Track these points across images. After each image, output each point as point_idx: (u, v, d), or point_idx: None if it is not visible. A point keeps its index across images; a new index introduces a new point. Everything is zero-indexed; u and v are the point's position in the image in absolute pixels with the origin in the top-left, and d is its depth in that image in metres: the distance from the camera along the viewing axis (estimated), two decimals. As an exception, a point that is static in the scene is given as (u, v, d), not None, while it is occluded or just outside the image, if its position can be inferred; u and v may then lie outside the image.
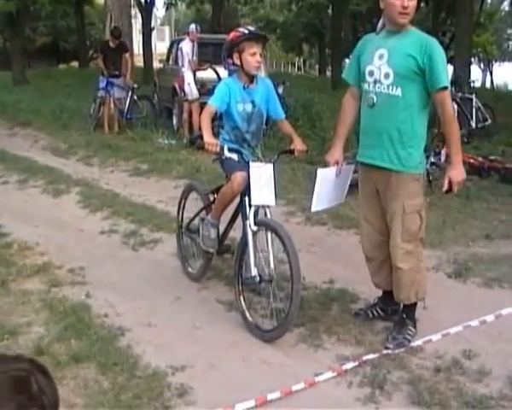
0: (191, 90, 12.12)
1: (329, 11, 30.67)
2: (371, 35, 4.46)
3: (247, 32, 4.75)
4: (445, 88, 4.06)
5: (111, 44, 13.87)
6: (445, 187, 4.14)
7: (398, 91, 4.12)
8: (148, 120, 13.95)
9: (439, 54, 4.06)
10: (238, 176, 4.65)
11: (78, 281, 5.45)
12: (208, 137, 4.47)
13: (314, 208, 4.69)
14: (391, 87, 4.14)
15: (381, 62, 4.18)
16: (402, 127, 4.14)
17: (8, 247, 6.27)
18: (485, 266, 5.70)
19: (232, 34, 4.78)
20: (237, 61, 4.73)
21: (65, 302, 4.91)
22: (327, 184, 4.58)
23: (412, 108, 4.13)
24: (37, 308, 4.86)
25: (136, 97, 13.90)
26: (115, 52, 13.77)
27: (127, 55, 14.02)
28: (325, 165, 4.64)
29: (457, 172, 4.10)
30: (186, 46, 12.16)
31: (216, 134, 4.76)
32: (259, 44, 4.75)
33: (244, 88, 4.78)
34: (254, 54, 4.70)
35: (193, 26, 12.51)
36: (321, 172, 4.57)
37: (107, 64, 13.64)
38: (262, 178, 4.51)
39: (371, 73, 4.25)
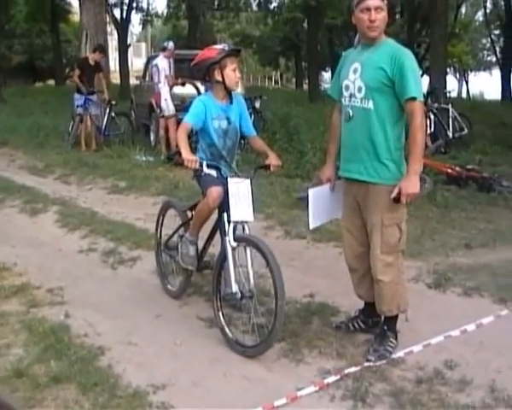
0: (168, 106, 12.13)
1: (305, 25, 30.80)
2: (350, 50, 4.50)
3: (227, 48, 4.80)
4: (414, 98, 4.04)
5: (90, 62, 13.90)
6: (393, 194, 4.05)
7: (370, 104, 4.16)
8: (125, 136, 13.95)
9: (410, 65, 4.06)
10: (213, 191, 4.64)
11: (58, 301, 5.40)
12: (187, 154, 4.47)
13: (312, 225, 4.69)
14: (363, 100, 4.18)
15: (355, 76, 4.23)
16: (376, 140, 4.16)
17: (-15, 268, 6.20)
18: (464, 275, 5.73)
19: (208, 52, 4.79)
20: (219, 78, 4.76)
21: (44, 323, 4.86)
22: (322, 201, 4.61)
23: (385, 120, 4.15)
24: (15, 330, 4.80)
25: (113, 114, 13.90)
26: (93, 70, 13.83)
27: (101, 74, 14.11)
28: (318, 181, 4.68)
29: (410, 184, 4.01)
30: (162, 62, 12.20)
31: (193, 150, 4.75)
32: (237, 60, 4.83)
33: (221, 105, 4.81)
34: (235, 69, 4.77)
35: (171, 44, 12.57)
36: (312, 191, 4.61)
37: (83, 81, 13.65)
38: (240, 194, 4.51)
39: (347, 88, 4.29)
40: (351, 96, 4.26)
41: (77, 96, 13.80)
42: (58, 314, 5.08)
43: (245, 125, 5.02)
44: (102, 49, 14.37)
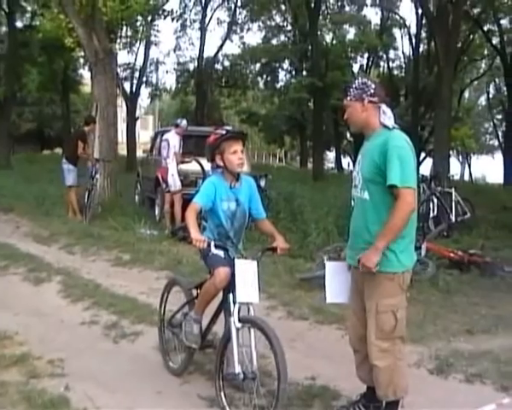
0: (174, 181, 12.29)
1: (311, 105, 31.32)
2: None
3: (224, 132, 4.91)
4: (394, 186, 4.06)
5: (88, 134, 14.30)
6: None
7: (366, 195, 4.28)
8: (130, 208, 14.04)
9: (394, 151, 4.10)
10: (221, 272, 4.69)
11: (58, 373, 5.36)
12: (195, 234, 4.54)
13: (329, 300, 4.69)
14: (361, 191, 4.32)
15: (358, 168, 4.39)
16: (372, 229, 4.23)
17: (-14, 336, 6.19)
18: (466, 361, 5.71)
19: (211, 137, 4.94)
20: (220, 163, 4.88)
21: (43, 395, 4.81)
22: (339, 277, 4.63)
23: (380, 209, 4.22)
24: (14, 400, 4.76)
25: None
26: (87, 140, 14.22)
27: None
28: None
29: (366, 257, 4.10)
30: (173, 138, 12.42)
31: (200, 229, 4.82)
32: (239, 142, 4.92)
33: (230, 188, 4.90)
34: (235, 152, 4.85)
35: (184, 123, 12.83)
36: (329, 264, 4.71)
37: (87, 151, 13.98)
38: (247, 276, 4.55)
39: (354, 179, 4.45)
40: (355, 187, 4.41)
41: (71, 167, 14.04)
42: (58, 386, 5.04)
43: (254, 208, 5.10)
44: (93, 119, 14.71)
